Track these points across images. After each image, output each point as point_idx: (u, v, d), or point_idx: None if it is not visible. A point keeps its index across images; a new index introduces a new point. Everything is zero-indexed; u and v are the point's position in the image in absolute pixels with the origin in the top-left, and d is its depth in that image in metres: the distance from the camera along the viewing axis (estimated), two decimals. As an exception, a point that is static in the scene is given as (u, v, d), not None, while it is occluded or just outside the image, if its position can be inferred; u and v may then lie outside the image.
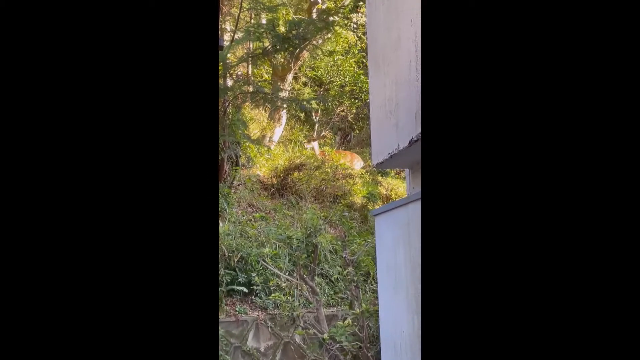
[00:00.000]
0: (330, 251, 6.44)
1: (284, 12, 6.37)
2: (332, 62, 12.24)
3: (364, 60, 13.02)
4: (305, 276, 5.06)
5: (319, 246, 5.11)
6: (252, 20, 6.55)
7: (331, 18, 7.06)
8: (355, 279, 4.60)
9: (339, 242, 5.77)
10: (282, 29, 5.93)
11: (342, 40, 10.78)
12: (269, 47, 6.14)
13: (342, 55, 12.14)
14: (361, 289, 4.73)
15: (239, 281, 6.00)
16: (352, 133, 13.86)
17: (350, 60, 12.37)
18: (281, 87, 9.10)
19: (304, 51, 8.26)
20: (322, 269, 5.83)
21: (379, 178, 10.30)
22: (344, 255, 4.79)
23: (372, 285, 5.22)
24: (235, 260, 6.09)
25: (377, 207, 9.35)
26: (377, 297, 5.39)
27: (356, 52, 12.44)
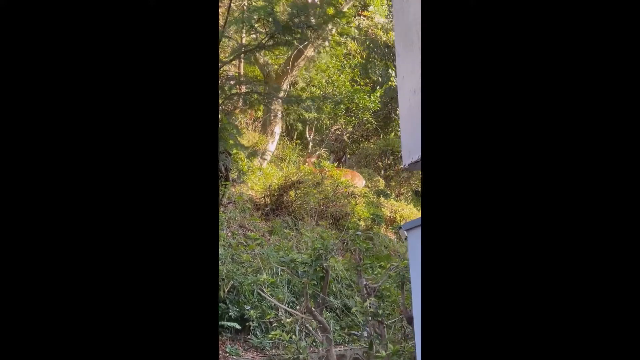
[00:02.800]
0: (335, 278, 5.49)
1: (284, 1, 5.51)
2: (327, 78, 11.43)
3: (358, 79, 12.24)
4: (313, 309, 4.08)
5: (330, 272, 4.15)
6: (245, 7, 5.66)
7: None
8: (380, 312, 3.63)
9: (351, 268, 4.82)
10: (282, 16, 5.05)
11: (340, 48, 9.95)
12: (266, 38, 5.24)
13: (338, 70, 11.32)
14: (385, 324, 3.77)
15: (230, 315, 4.97)
16: (347, 155, 13.02)
17: (347, 76, 11.58)
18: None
19: (305, 49, 7.37)
20: (331, 299, 4.85)
21: (381, 199, 9.40)
22: (363, 283, 3.83)
23: (394, 320, 4.25)
24: (226, 291, 5.07)
25: (382, 230, 8.42)
26: (403, 335, 4.43)
27: (352, 65, 11.64)
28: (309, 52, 8.63)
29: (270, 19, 5.00)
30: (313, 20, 4.93)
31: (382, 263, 4.04)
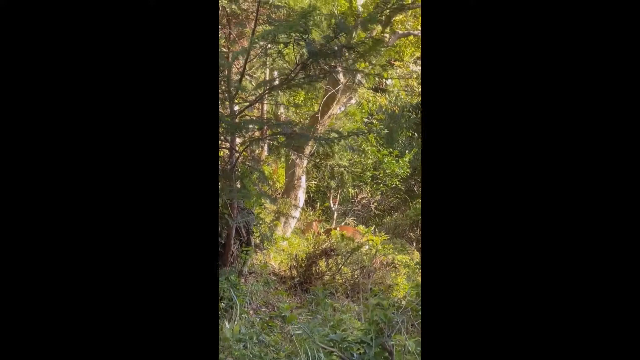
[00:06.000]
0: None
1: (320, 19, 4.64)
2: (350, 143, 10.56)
3: (384, 150, 11.37)
4: (374, 408, 2.88)
5: (394, 353, 2.99)
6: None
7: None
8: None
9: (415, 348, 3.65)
10: (317, 36, 4.18)
11: (369, 105, 9.15)
12: (296, 71, 4.35)
13: (365, 133, 10.46)
14: None
15: (257, 418, 3.74)
16: (372, 225, 11.92)
17: (372, 140, 10.72)
18: (300, 155, 7.28)
19: (338, 93, 6.49)
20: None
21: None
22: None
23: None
24: (250, 383, 3.86)
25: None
26: None
27: (377, 130, 10.79)
28: (335, 109, 7.82)
29: (303, 43, 4.10)
30: (353, 43, 4.03)
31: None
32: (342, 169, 6.20)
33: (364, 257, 6.67)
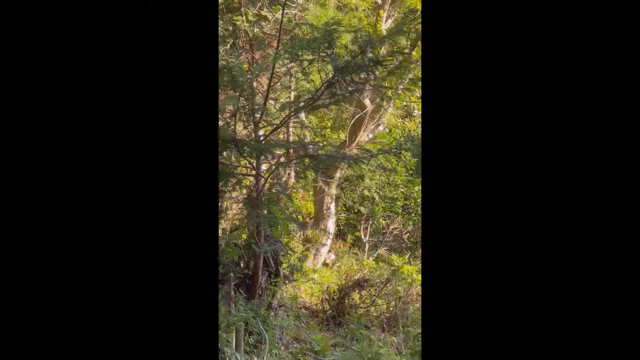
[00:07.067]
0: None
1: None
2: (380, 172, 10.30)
3: (414, 179, 11.05)
4: None
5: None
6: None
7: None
8: None
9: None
10: (343, 52, 4.00)
11: (397, 131, 8.93)
12: (321, 90, 4.16)
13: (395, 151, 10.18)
14: None
15: None
16: (406, 256, 11.50)
17: (402, 169, 10.44)
18: (329, 187, 7.05)
19: (366, 116, 6.28)
20: None
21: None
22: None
23: None
24: None
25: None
26: None
27: (407, 159, 10.52)
28: (363, 136, 7.61)
29: (328, 59, 3.92)
30: (390, 47, 3.84)
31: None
32: (373, 192, 5.94)
33: (399, 288, 6.33)
